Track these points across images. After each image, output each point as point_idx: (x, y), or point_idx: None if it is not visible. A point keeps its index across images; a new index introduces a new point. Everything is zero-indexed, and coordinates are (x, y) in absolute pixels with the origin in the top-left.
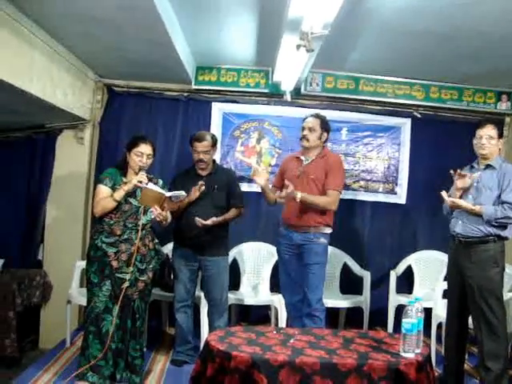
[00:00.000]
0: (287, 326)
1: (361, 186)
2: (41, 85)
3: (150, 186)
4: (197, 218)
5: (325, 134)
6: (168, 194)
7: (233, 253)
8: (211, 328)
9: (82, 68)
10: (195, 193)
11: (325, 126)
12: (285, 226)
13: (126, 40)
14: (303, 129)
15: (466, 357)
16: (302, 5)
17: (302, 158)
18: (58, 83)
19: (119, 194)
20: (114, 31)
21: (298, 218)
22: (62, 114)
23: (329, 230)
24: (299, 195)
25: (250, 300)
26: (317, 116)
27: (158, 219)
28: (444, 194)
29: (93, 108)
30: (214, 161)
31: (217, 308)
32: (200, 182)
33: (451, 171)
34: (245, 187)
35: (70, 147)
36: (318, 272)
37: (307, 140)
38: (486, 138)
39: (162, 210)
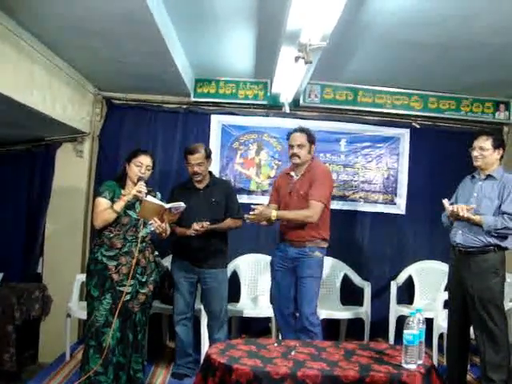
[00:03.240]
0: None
1: (360, 197)
2: (40, 98)
3: (149, 198)
4: (194, 224)
5: (312, 147)
6: (167, 205)
7: (232, 265)
8: (211, 340)
9: (82, 81)
10: (193, 230)
11: (311, 138)
12: (281, 240)
13: (124, 53)
14: (292, 146)
15: (469, 367)
16: (300, 17)
17: (293, 173)
18: (57, 96)
19: (119, 205)
20: (113, 44)
21: (293, 233)
22: (61, 127)
23: (325, 244)
24: (274, 214)
25: (250, 312)
26: (302, 130)
27: (157, 231)
28: (446, 201)
29: (92, 121)
30: (210, 173)
31: (216, 320)
32: (205, 223)
33: (443, 200)
34: (244, 199)
35: (69, 160)
36: (309, 285)
37: (298, 157)
38: (477, 150)
39: (162, 222)
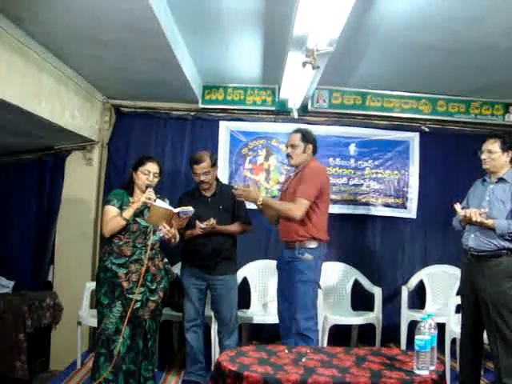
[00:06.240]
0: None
1: (370, 201)
2: (49, 107)
3: (158, 202)
4: (197, 223)
5: (309, 146)
6: (176, 210)
7: (243, 271)
8: (221, 347)
9: (90, 89)
10: (199, 229)
11: (306, 138)
12: (282, 242)
13: (132, 61)
14: (286, 147)
15: (482, 373)
16: (306, 22)
17: (292, 174)
18: (66, 105)
19: (128, 213)
20: (121, 53)
21: (284, 233)
22: (70, 135)
23: (314, 244)
24: (260, 198)
25: (260, 319)
26: (297, 131)
27: (166, 237)
28: (458, 206)
29: (101, 129)
30: (217, 180)
31: (227, 327)
32: (212, 221)
33: (454, 205)
34: (253, 205)
35: (78, 168)
36: (302, 291)
37: (291, 158)
38: (485, 153)
39: (171, 227)
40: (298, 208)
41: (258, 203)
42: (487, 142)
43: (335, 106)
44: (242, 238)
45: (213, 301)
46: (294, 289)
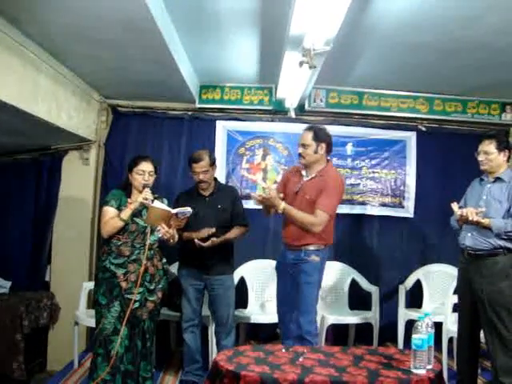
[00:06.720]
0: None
1: (368, 201)
2: (46, 107)
3: (156, 203)
4: (196, 240)
5: (322, 145)
6: (174, 210)
7: (240, 271)
8: (219, 347)
9: (87, 89)
10: (201, 234)
11: (319, 137)
12: (283, 244)
13: (129, 61)
14: (298, 146)
15: (479, 372)
16: (303, 21)
17: (304, 173)
18: (63, 105)
19: (126, 214)
20: (118, 52)
21: (291, 237)
22: (67, 135)
23: (321, 247)
24: (282, 206)
25: (257, 318)
26: (309, 129)
27: (165, 237)
28: (455, 205)
29: (98, 129)
30: (215, 179)
31: (224, 327)
32: (211, 230)
33: (452, 204)
34: (251, 204)
35: (75, 168)
36: (307, 292)
37: (303, 157)
38: (482, 155)
39: (169, 228)
40: (320, 222)
41: (279, 211)
42: (483, 143)
43: (332, 106)
44: None
45: (210, 301)
46: (300, 291)
